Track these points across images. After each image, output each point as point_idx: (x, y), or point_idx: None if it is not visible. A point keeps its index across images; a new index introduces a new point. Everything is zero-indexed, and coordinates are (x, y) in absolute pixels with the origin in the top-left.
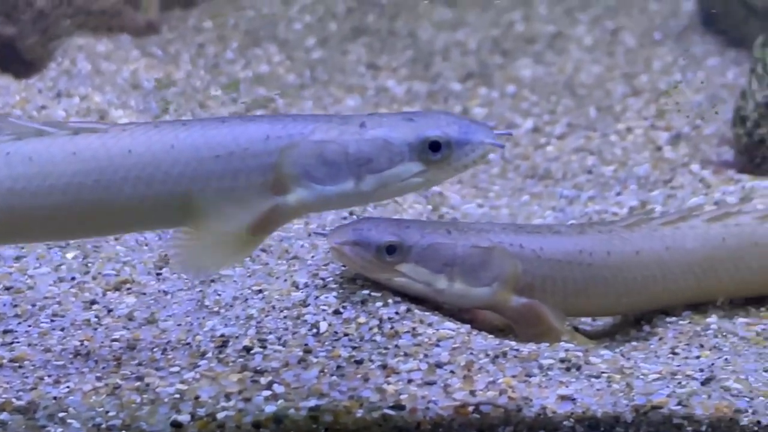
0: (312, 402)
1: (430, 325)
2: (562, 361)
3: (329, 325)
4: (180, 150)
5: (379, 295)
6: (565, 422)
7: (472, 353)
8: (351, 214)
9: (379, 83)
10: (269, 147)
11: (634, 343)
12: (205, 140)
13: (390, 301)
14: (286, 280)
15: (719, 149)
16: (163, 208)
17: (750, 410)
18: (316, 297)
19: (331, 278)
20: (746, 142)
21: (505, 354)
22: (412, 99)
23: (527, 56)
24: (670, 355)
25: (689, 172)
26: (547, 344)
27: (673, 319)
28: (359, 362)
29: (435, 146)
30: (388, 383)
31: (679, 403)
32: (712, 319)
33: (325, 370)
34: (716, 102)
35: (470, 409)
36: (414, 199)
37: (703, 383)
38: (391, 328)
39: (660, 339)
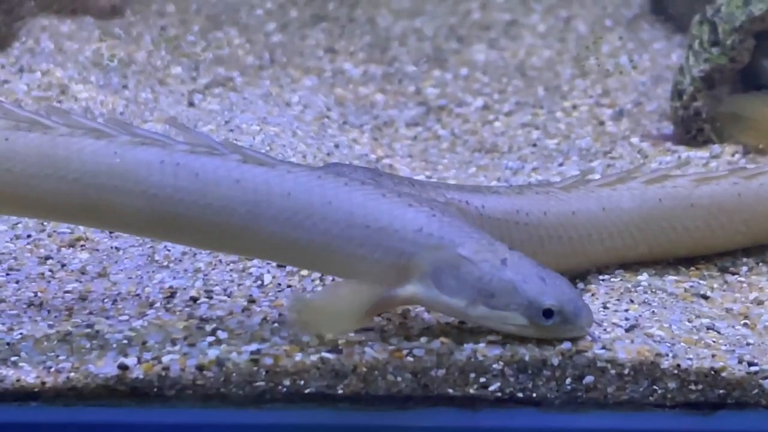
0: (254, 346)
1: None
2: None
3: (273, 277)
4: (336, 209)
5: None
6: (494, 365)
7: None
8: None
9: (336, 66)
10: (417, 239)
11: None
12: (362, 208)
13: None
14: None
15: (660, 124)
16: (297, 251)
17: (670, 354)
18: None
19: None
20: (682, 114)
21: None
22: (368, 80)
23: (482, 42)
24: (601, 309)
25: (629, 144)
26: None
27: (606, 276)
28: None
29: (548, 314)
30: None
31: (603, 347)
32: (643, 276)
33: (268, 318)
34: (660, 81)
35: (404, 352)
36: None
37: (627, 330)
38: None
39: (593, 295)
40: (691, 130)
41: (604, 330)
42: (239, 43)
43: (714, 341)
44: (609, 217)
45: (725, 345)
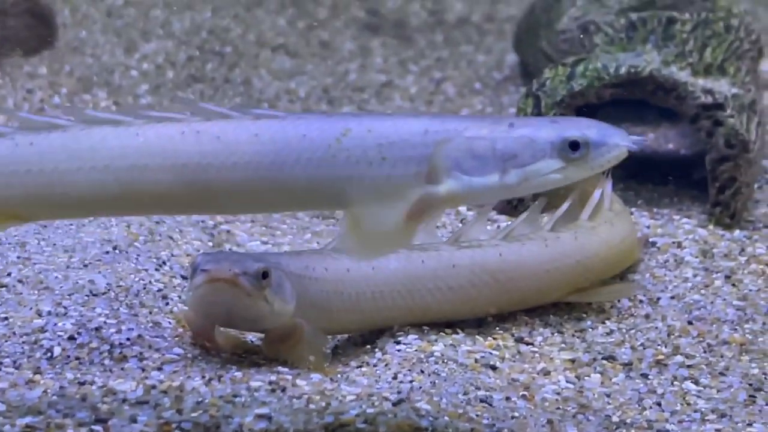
0: (27, 419)
1: (157, 350)
2: (270, 383)
3: (63, 349)
4: (350, 137)
5: (114, 322)
6: None
7: (189, 377)
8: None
9: None
10: (426, 140)
11: (363, 369)
12: (372, 130)
13: (123, 328)
14: (31, 309)
15: None
16: (329, 189)
17: (430, 429)
18: (55, 324)
19: (72, 306)
20: None
21: (220, 377)
22: None
23: (352, 104)
24: (391, 379)
25: (455, 212)
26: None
27: (402, 347)
28: (82, 383)
29: (574, 145)
30: (104, 403)
31: (365, 422)
32: (438, 346)
33: (48, 391)
34: None
35: (173, 426)
36: (195, 236)
37: (395, 404)
38: (120, 353)
39: (386, 365)
40: (512, 200)
41: (372, 404)
42: (105, 106)
43: (478, 415)
44: (378, 276)
45: (488, 419)
